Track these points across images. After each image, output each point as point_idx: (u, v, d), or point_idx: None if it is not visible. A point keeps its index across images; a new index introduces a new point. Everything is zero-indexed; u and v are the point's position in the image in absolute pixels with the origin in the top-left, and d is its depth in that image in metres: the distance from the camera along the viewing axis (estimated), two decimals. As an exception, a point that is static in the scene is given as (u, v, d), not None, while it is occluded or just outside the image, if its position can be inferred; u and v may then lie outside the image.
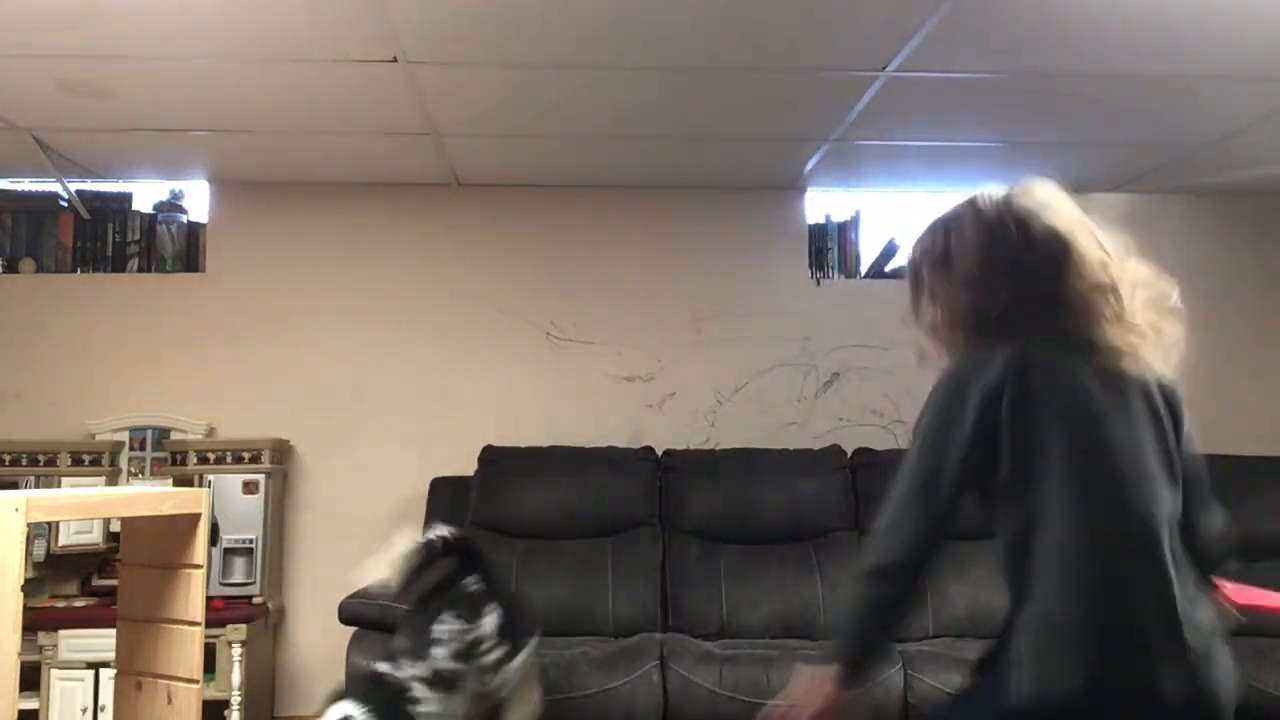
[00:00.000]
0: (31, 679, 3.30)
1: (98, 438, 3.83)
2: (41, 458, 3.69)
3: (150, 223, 4.11)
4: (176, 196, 4.17)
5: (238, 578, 3.62)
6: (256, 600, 3.62)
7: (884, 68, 2.97)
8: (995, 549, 1.55)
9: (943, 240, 1.60)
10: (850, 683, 1.57)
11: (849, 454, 3.86)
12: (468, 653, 2.42)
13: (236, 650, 3.44)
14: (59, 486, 3.59)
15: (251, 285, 4.05)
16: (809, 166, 3.90)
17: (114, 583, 3.13)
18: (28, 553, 3.27)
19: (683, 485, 3.73)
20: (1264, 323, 4.24)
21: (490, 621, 2.49)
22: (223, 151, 3.74)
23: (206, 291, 4.04)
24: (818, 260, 4.25)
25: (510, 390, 3.98)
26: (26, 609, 1.64)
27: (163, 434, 3.87)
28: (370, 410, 4.00)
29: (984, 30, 2.73)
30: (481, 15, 2.64)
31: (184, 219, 4.13)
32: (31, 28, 2.66)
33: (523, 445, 3.77)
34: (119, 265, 4.06)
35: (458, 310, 4.05)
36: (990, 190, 1.60)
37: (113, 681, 2.17)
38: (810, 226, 4.25)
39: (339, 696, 2.30)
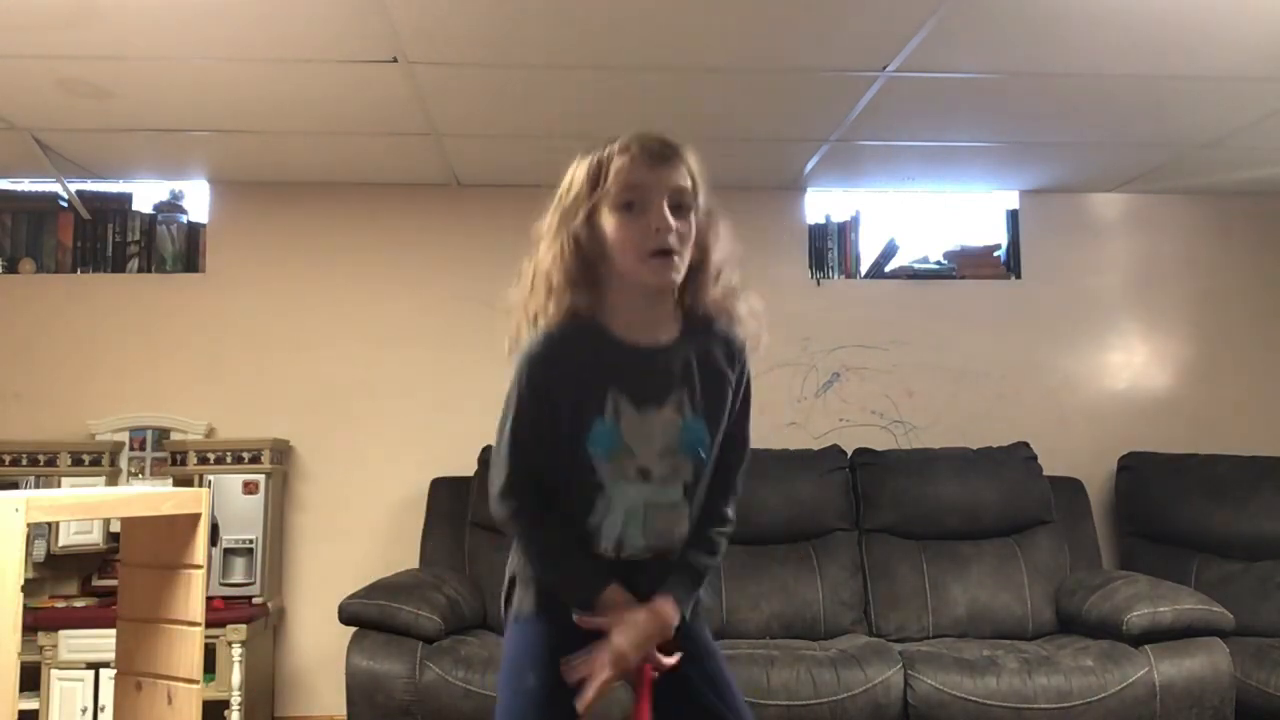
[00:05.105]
0: (31, 679, 3.30)
1: (98, 438, 3.83)
2: (41, 458, 3.69)
3: (150, 223, 4.11)
4: (176, 196, 4.17)
5: (238, 578, 3.62)
6: (256, 600, 3.62)
7: (884, 68, 2.97)
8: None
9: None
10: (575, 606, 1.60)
11: (849, 454, 3.86)
12: None
13: (236, 650, 3.44)
14: (59, 486, 3.59)
15: (251, 285, 4.05)
16: (809, 166, 3.90)
17: (114, 583, 3.14)
18: (28, 553, 3.28)
19: (683, 485, 3.73)
20: (1264, 323, 4.24)
21: None
22: (223, 151, 3.74)
23: (206, 291, 4.04)
24: (818, 260, 4.25)
25: (510, 390, 3.97)
26: (26, 609, 1.64)
27: (163, 434, 3.87)
28: (370, 410, 4.00)
29: (984, 30, 2.73)
30: (481, 15, 2.64)
31: (184, 219, 4.13)
32: (31, 28, 2.66)
33: (523, 445, 3.76)
34: (119, 265, 4.06)
35: (458, 310, 4.05)
36: None
37: (113, 681, 2.17)
38: (810, 226, 4.25)
39: None
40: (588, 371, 1.56)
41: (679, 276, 1.55)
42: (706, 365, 1.61)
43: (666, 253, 1.52)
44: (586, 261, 1.56)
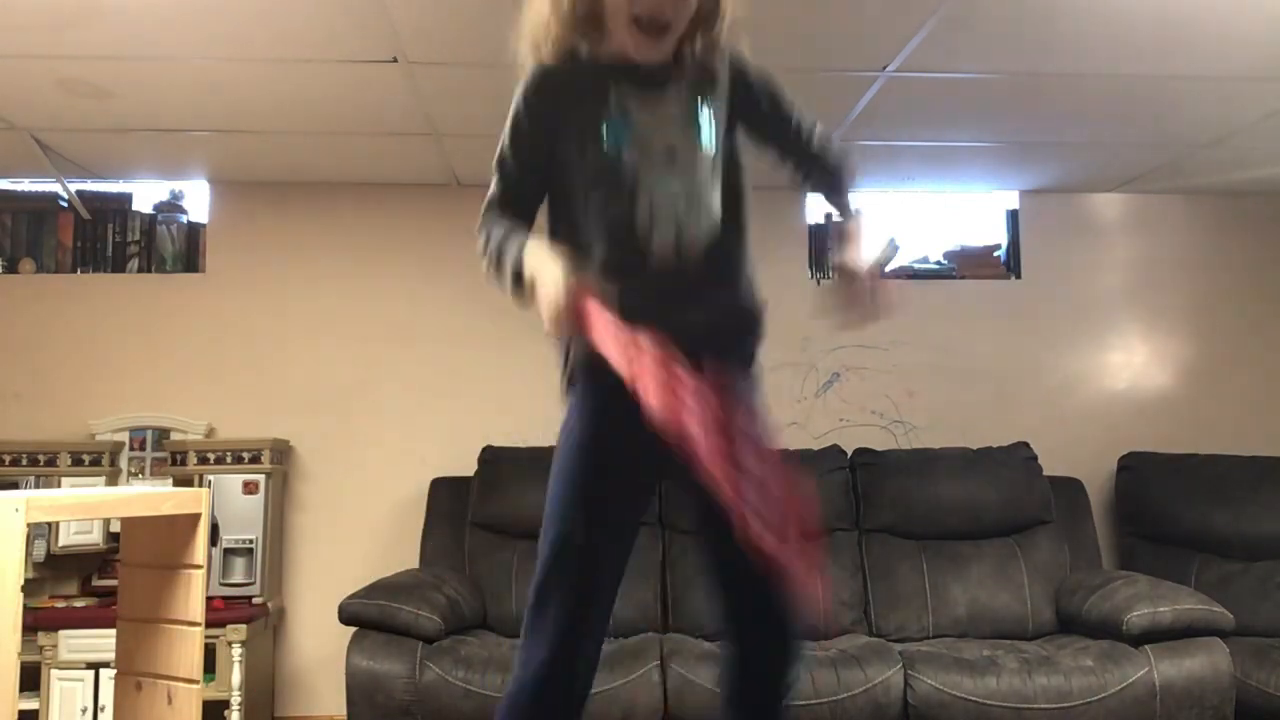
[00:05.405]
0: (31, 679, 3.30)
1: (98, 438, 3.83)
2: (41, 458, 3.69)
3: (150, 223, 4.11)
4: (176, 196, 4.17)
5: (238, 578, 3.62)
6: (256, 600, 3.62)
7: (884, 68, 2.97)
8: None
9: None
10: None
11: (849, 454, 3.86)
12: None
13: (236, 650, 3.44)
14: (59, 486, 3.59)
15: (251, 285, 4.05)
16: (809, 166, 3.90)
17: (114, 583, 3.14)
18: (28, 553, 3.28)
19: (683, 485, 3.73)
20: (1264, 323, 4.24)
21: None
22: (223, 151, 3.74)
23: (206, 291, 4.04)
24: (818, 260, 4.25)
25: (510, 390, 3.98)
26: (26, 609, 1.64)
27: (163, 434, 3.87)
28: (370, 410, 4.00)
29: (984, 30, 2.73)
30: (481, 15, 2.63)
31: (184, 219, 4.13)
32: (31, 28, 2.66)
33: (523, 445, 3.77)
34: (119, 265, 4.06)
35: (457, 310, 4.05)
36: None
37: (113, 681, 2.17)
38: (810, 226, 4.25)
39: None
40: (587, 90, 1.57)
41: (666, 50, 1.55)
42: (704, 78, 1.63)
43: (657, 28, 1.52)
44: (583, 13, 1.55)
